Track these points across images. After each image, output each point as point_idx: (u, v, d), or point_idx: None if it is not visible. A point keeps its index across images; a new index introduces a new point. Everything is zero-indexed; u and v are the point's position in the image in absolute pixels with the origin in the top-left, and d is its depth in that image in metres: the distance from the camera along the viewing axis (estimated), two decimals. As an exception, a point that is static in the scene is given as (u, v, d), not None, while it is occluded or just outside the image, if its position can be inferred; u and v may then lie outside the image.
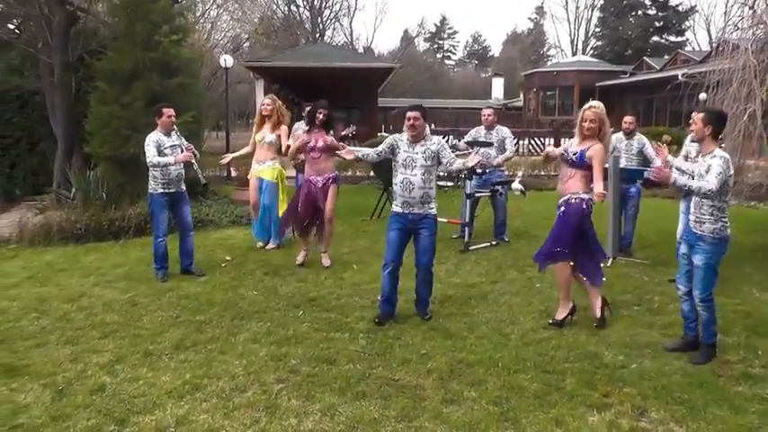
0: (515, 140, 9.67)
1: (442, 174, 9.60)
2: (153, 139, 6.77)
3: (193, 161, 6.97)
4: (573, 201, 5.46)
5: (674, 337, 5.14)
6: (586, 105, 5.50)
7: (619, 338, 5.22)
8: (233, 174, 15.12)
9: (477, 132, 8.90)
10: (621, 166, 7.89)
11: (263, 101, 8.35)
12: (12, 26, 14.99)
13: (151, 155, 6.68)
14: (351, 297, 6.31)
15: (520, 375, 4.48)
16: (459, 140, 9.36)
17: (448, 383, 4.35)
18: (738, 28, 8.29)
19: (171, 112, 6.89)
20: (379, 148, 5.88)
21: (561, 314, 5.58)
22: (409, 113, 5.57)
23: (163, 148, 6.77)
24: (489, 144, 8.61)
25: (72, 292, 6.50)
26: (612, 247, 7.76)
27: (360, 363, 4.69)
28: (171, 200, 6.97)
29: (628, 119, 8.15)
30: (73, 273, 7.35)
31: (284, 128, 8.31)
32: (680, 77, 22.04)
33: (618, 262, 7.72)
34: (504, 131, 8.85)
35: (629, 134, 8.10)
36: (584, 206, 5.43)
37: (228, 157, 8.72)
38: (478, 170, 8.40)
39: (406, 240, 5.72)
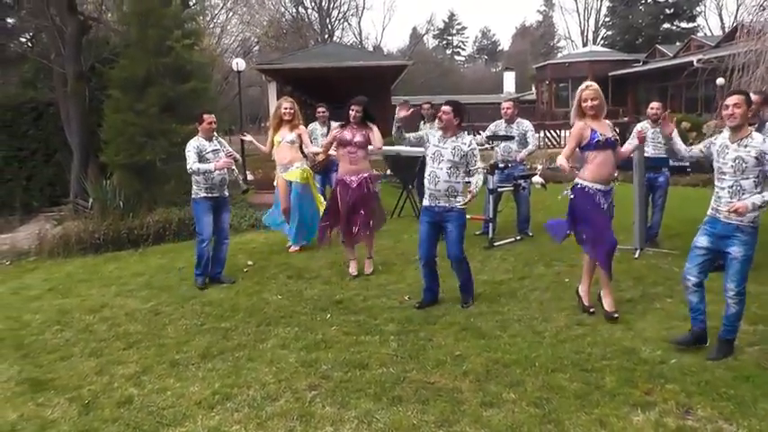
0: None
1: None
2: (193, 145, 6.72)
3: (233, 167, 6.93)
4: None
5: (714, 329, 4.96)
6: (583, 85, 5.46)
7: (655, 333, 5.04)
8: (249, 177, 15.06)
9: (497, 126, 8.72)
10: (649, 154, 7.68)
11: (283, 104, 8.11)
12: (24, 39, 15.05)
13: (191, 161, 6.61)
14: (378, 298, 6.18)
15: (558, 375, 4.32)
16: (478, 134, 9.21)
17: (485, 385, 4.21)
18: (765, 8, 8.08)
19: (212, 118, 6.85)
20: (410, 136, 6.19)
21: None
22: (443, 107, 5.72)
23: (204, 153, 6.72)
24: (510, 138, 8.44)
25: (94, 303, 6.42)
26: (639, 238, 7.57)
27: (393, 366, 4.55)
28: (214, 204, 6.89)
29: (655, 105, 7.89)
30: (93, 283, 7.28)
31: (303, 127, 8.17)
32: (695, 63, 21.85)
33: (645, 253, 7.53)
34: (525, 125, 8.68)
35: (656, 121, 7.89)
36: None
37: (249, 137, 8.82)
38: (500, 165, 8.27)
39: (437, 233, 5.82)
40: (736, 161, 4.46)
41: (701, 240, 4.70)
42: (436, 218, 5.73)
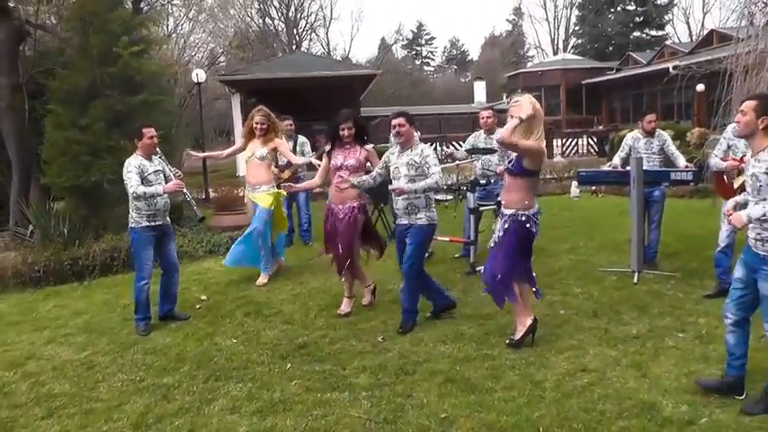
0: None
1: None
2: (134, 164, 5.76)
3: (185, 190, 5.97)
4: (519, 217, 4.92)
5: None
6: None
7: (674, 380, 4.28)
8: (211, 194, 14.18)
9: (477, 138, 7.96)
10: (644, 167, 6.95)
11: (255, 117, 7.27)
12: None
13: (134, 184, 5.67)
14: (346, 340, 5.35)
15: (569, 444, 3.55)
16: (452, 145, 8.49)
17: (480, 462, 3.42)
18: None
19: (152, 132, 5.88)
20: (374, 171, 5.76)
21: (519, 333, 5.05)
22: (394, 121, 5.47)
23: (146, 174, 5.77)
24: (492, 151, 7.67)
25: (18, 354, 5.49)
26: (637, 260, 6.83)
27: (365, 436, 3.74)
28: (158, 234, 5.96)
29: (651, 118, 7.21)
30: (25, 326, 6.35)
31: (279, 140, 7.38)
32: (671, 70, 21.44)
33: (645, 276, 6.79)
34: (506, 135, 7.94)
35: (651, 133, 7.22)
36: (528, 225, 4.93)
37: (197, 154, 8.57)
38: (482, 180, 7.53)
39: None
40: (752, 179, 3.79)
41: (737, 270, 4.00)
42: (401, 236, 5.60)
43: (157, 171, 5.93)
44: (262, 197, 7.26)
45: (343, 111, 6.11)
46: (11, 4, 10.53)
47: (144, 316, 5.97)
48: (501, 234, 4.99)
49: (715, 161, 5.81)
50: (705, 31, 35.41)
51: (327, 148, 6.13)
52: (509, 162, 4.97)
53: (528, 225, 4.88)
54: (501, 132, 4.72)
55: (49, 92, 9.89)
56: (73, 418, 4.20)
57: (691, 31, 50.89)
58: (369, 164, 6.06)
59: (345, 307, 6.12)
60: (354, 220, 5.94)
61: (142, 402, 4.36)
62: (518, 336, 5.01)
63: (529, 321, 5.01)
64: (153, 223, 5.90)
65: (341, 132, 5.93)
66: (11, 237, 9.70)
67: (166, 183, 5.92)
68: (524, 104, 4.72)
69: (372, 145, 6.16)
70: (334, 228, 6.01)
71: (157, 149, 6.01)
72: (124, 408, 4.29)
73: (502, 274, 4.91)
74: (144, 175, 5.79)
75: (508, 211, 4.93)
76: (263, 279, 7.34)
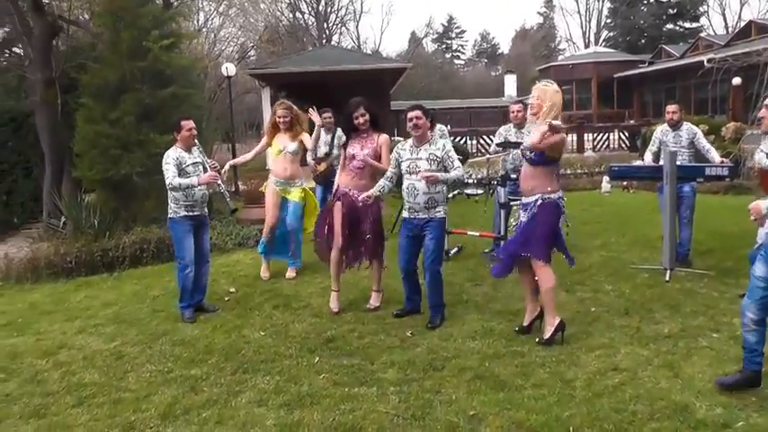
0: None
1: (471, 181, 8.64)
2: (172, 156, 5.87)
3: (219, 182, 6.02)
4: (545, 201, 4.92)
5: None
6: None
7: (707, 381, 4.16)
8: (241, 187, 14.24)
9: (507, 132, 7.88)
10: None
11: (278, 111, 7.20)
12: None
13: (171, 176, 5.78)
14: (375, 335, 5.32)
15: (600, 444, 3.48)
16: (482, 139, 8.39)
17: (509, 461, 3.37)
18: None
19: (191, 124, 5.98)
20: (388, 172, 5.70)
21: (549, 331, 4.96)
22: (410, 114, 5.44)
23: (184, 166, 5.88)
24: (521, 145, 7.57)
25: (50, 344, 5.57)
26: (670, 258, 6.69)
27: (394, 431, 3.71)
28: (196, 224, 6.07)
29: (670, 108, 7.11)
30: (57, 316, 6.45)
31: (306, 135, 7.33)
32: (706, 63, 21.06)
33: (678, 274, 6.66)
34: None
35: (676, 125, 7.10)
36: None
37: (226, 167, 7.86)
38: (512, 175, 7.43)
39: (417, 245, 5.62)
40: None
41: (760, 269, 3.87)
42: (416, 231, 5.53)
43: (196, 163, 6.01)
44: (294, 192, 7.25)
45: (353, 99, 5.99)
46: (45, 1, 10.66)
47: (189, 303, 6.08)
48: (525, 221, 4.99)
49: (760, 157, 5.65)
50: (742, 23, 34.74)
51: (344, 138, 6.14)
52: (531, 152, 4.92)
53: (555, 206, 4.90)
54: (531, 140, 4.76)
55: (80, 86, 10.00)
56: (102, 407, 4.24)
57: (727, 23, 49.94)
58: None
59: (374, 301, 6.09)
60: (379, 209, 5.98)
61: (170, 393, 4.38)
62: (547, 335, 4.93)
63: (557, 319, 4.94)
64: (191, 213, 6.02)
65: (355, 121, 5.88)
66: (44, 228, 9.87)
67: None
68: (546, 98, 4.80)
69: (390, 138, 6.08)
70: (355, 215, 5.87)
71: (196, 141, 6.09)
72: (152, 398, 4.32)
73: (530, 253, 4.94)
74: (182, 166, 5.89)
75: (532, 198, 4.94)
76: (291, 272, 7.35)
